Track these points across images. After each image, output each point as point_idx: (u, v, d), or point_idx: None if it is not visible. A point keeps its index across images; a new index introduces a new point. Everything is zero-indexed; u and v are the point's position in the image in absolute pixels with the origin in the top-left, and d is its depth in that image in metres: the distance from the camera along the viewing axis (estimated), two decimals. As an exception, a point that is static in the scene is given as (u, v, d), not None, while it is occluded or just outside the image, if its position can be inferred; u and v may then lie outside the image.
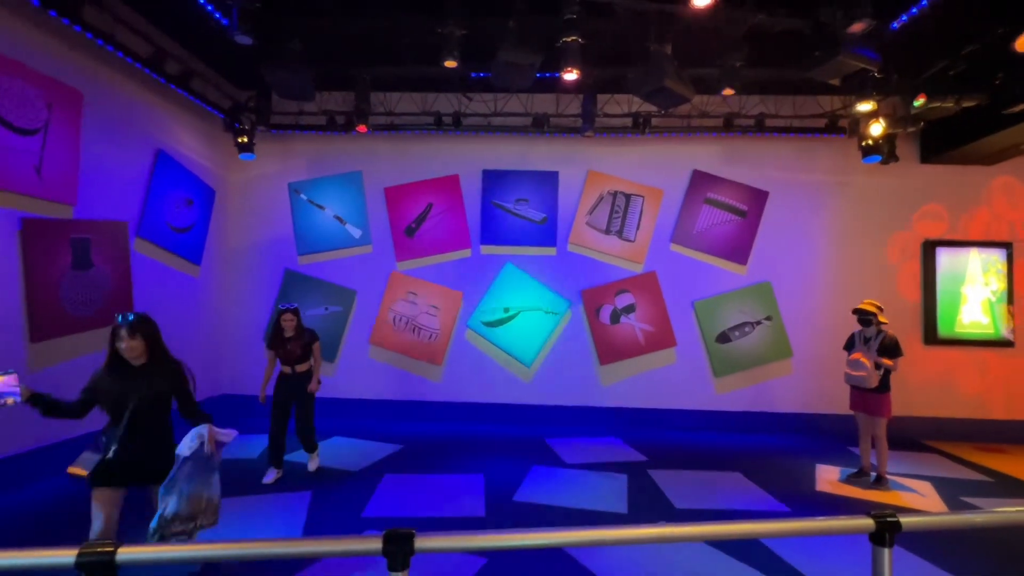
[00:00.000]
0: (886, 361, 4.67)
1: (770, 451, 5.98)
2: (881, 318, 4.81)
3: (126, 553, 1.19)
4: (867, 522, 1.44)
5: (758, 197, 6.99)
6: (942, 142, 6.49)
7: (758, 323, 6.91)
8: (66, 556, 1.16)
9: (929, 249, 6.83)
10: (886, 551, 1.42)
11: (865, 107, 5.64)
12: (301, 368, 4.69)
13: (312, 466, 4.92)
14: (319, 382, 4.83)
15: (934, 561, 3.40)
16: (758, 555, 3.41)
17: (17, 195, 4.28)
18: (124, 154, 5.42)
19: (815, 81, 5.05)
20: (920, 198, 6.91)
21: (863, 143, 6.23)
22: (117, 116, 5.32)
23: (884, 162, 6.27)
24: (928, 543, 3.59)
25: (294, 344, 4.63)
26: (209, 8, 4.72)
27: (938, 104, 5.39)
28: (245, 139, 6.44)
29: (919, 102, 5.42)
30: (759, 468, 5.33)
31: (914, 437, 6.59)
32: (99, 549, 1.18)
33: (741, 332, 6.91)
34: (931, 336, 6.76)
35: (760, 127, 6.59)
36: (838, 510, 4.32)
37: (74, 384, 5.02)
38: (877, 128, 5.92)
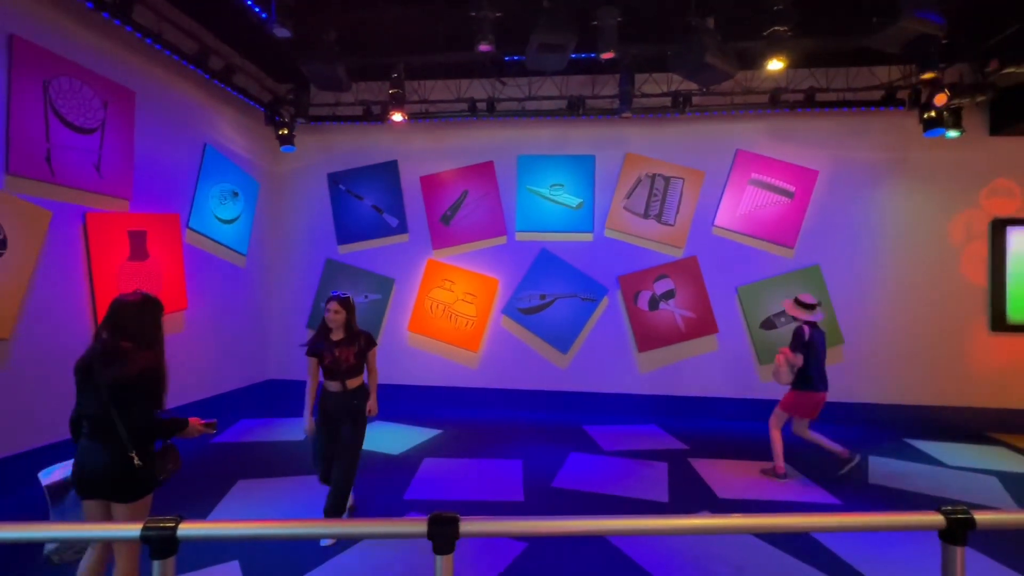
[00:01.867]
0: (784, 350, 4.49)
1: (818, 441, 5.75)
2: (793, 312, 4.56)
3: (186, 528, 1.25)
4: (937, 518, 1.34)
5: (807, 177, 6.65)
6: (1015, 112, 5.97)
7: (806, 309, 6.60)
8: (132, 530, 1.22)
9: (999, 228, 6.34)
10: (959, 550, 1.33)
11: (928, 76, 5.24)
12: (353, 383, 3.40)
13: (329, 539, 3.26)
14: (377, 404, 3.55)
15: (1005, 562, 3.19)
16: (807, 548, 3.29)
17: (80, 191, 4.53)
18: (174, 149, 5.65)
19: (871, 50, 4.73)
20: (989, 173, 6.40)
21: (925, 116, 5.81)
22: (166, 113, 5.54)
23: (950, 135, 5.82)
24: (995, 541, 3.37)
25: (344, 350, 3.35)
26: (249, 2, 4.82)
27: (1012, 70, 4.95)
28: (285, 131, 6.61)
29: (991, 68, 5.00)
30: (808, 458, 5.13)
31: (979, 429, 6.20)
32: (162, 524, 1.23)
33: (787, 318, 6.62)
34: (999, 322, 6.30)
35: (810, 102, 6.24)
36: (893, 503, 4.12)
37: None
38: (941, 99, 5.50)
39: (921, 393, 6.33)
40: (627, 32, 4.98)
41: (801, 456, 5.20)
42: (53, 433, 4.32)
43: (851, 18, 4.80)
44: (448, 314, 7.15)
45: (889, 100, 6.18)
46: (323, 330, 3.43)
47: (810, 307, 4.53)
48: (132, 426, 2.16)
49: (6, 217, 3.88)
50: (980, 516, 1.33)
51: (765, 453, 5.31)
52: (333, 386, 3.39)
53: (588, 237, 7.01)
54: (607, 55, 4.79)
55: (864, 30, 4.44)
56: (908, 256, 6.51)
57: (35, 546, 2.01)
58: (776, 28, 4.64)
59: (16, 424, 4.04)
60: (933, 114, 5.70)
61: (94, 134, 4.64)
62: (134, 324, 2.28)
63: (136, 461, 2.13)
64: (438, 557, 1.28)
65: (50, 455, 4.27)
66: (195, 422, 2.41)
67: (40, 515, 3.69)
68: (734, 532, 1.51)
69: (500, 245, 7.16)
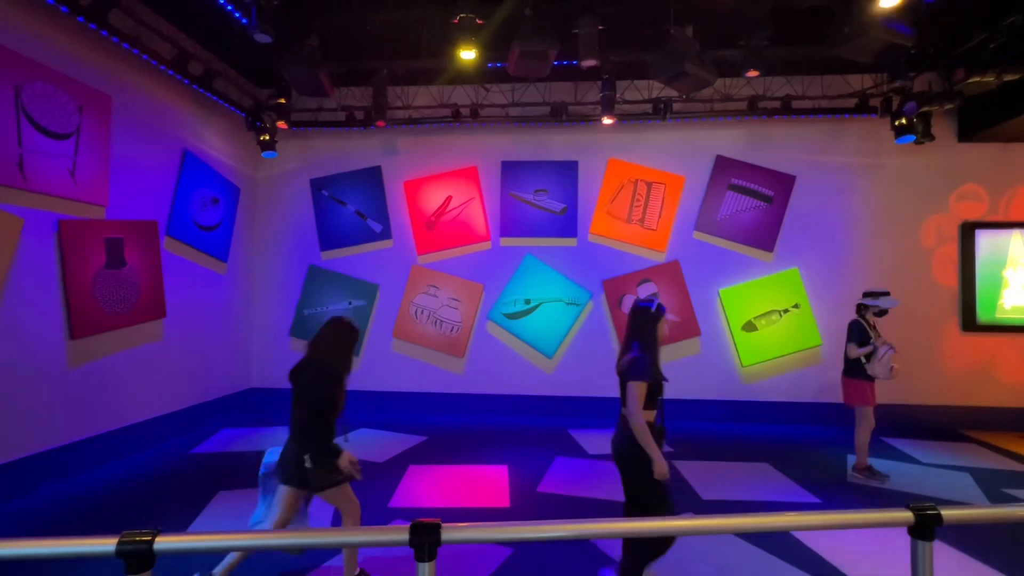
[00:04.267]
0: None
1: (799, 441, 5.86)
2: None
3: (163, 542, 1.23)
4: (906, 515, 1.39)
5: (784, 182, 6.80)
6: (981, 119, 6.19)
7: (786, 311, 6.74)
8: (106, 545, 1.20)
9: (968, 231, 6.54)
10: (927, 545, 1.37)
11: (898, 85, 5.41)
12: None
13: None
14: None
15: (973, 554, 3.29)
16: (787, 546, 3.35)
17: (53, 198, 4.43)
18: (152, 155, 5.56)
19: (844, 59, 4.87)
20: (958, 178, 6.61)
21: (896, 123, 5.99)
22: (144, 118, 5.45)
23: (919, 142, 6.02)
24: (968, 536, 3.47)
25: None
26: (229, 8, 4.78)
27: (977, 79, 5.13)
28: (267, 137, 6.54)
29: (958, 78, 5.17)
30: (788, 459, 5.22)
31: (952, 427, 6.37)
32: (138, 538, 1.21)
33: (768, 320, 6.75)
34: (970, 322, 6.50)
35: (786, 109, 6.39)
36: (871, 501, 4.21)
37: (112, 380, 5.21)
38: (911, 106, 5.68)
39: (896, 392, 6.47)
40: (608, 40, 5.06)
41: (783, 455, 5.29)
42: (28, 445, 4.20)
43: (825, 28, 4.94)
44: (433, 320, 7.13)
45: (862, 107, 6.35)
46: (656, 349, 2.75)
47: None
48: (297, 427, 2.59)
49: (-24, 225, 3.78)
50: (947, 512, 1.38)
51: (748, 454, 5.39)
52: (651, 416, 2.73)
53: (572, 242, 7.06)
54: (588, 62, 4.85)
55: (837, 40, 4.57)
56: (882, 258, 6.68)
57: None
58: (753, 38, 4.76)
59: (-14, 438, 3.92)
60: (903, 121, 5.88)
61: (69, 139, 4.55)
62: (328, 342, 2.71)
63: (307, 463, 2.51)
64: (420, 564, 1.28)
65: (26, 468, 4.16)
66: (347, 456, 2.64)
67: (23, 530, 3.58)
68: (715, 532, 1.54)
69: (484, 250, 7.17)
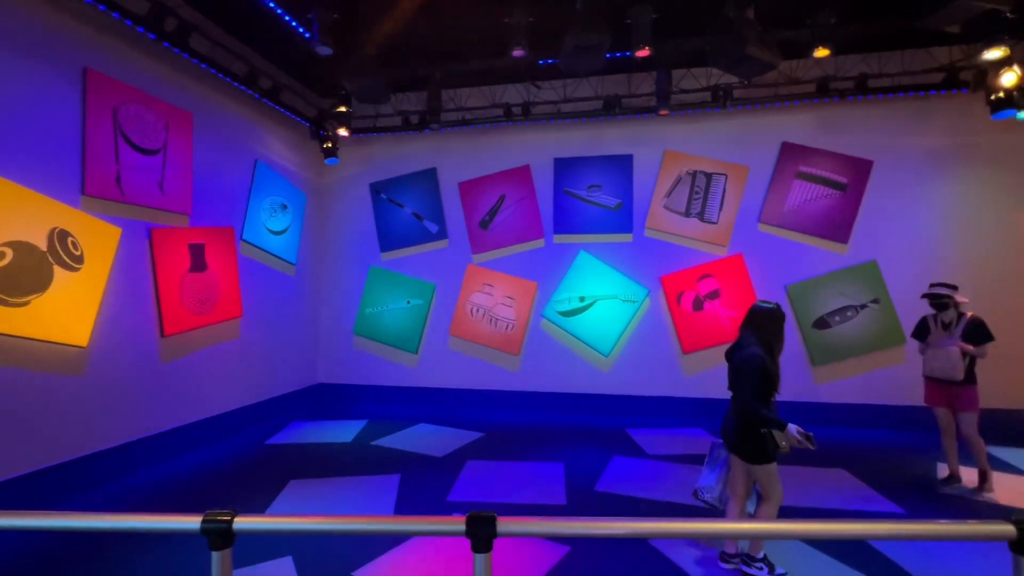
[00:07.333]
0: (974, 348, 4.08)
1: (880, 447, 5.43)
2: (959, 298, 4.20)
3: (241, 522, 1.32)
4: (1007, 528, 1.25)
5: (860, 167, 6.31)
6: (1099, 87, 5.45)
7: (863, 307, 6.27)
8: (191, 522, 1.31)
9: (1082, 215, 5.80)
10: (1032, 562, 1.23)
11: (994, 54, 4.88)
12: None
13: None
14: None
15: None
16: (867, 559, 3.11)
17: (146, 208, 4.88)
18: (227, 166, 5.99)
19: (928, 31, 4.47)
20: (1069, 156, 5.88)
21: (992, 97, 5.40)
22: (220, 132, 5.88)
23: (1021, 116, 5.39)
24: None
25: None
26: (293, 23, 5.07)
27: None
28: (330, 144, 6.88)
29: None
30: (867, 465, 4.85)
31: (1064, 435, 5.67)
32: (219, 518, 1.31)
33: (843, 317, 6.31)
34: (1086, 317, 5.76)
35: (861, 89, 5.93)
36: (964, 514, 3.83)
37: (198, 374, 5.65)
38: (1010, 77, 5.10)
39: (997, 397, 5.85)
40: (662, 28, 4.90)
41: (862, 461, 4.92)
42: (128, 433, 4.65)
43: (904, -2, 4.55)
44: (488, 318, 7.22)
45: (951, 82, 5.79)
46: None
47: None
48: (739, 403, 2.85)
49: (83, 234, 4.23)
50: (1058, 526, 1.23)
51: (821, 458, 5.06)
52: None
53: (628, 238, 6.91)
54: (642, 53, 4.73)
55: (919, 10, 4.18)
56: (976, 249, 6.05)
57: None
58: (821, 14, 4.45)
59: (95, 425, 4.38)
60: (1001, 95, 5.29)
61: (157, 155, 4.99)
62: (760, 325, 2.96)
63: (763, 432, 2.72)
64: (477, 555, 1.30)
65: (128, 452, 4.61)
66: (793, 428, 2.70)
67: (120, 507, 3.98)
68: (784, 537, 1.45)
69: (538, 248, 7.17)
